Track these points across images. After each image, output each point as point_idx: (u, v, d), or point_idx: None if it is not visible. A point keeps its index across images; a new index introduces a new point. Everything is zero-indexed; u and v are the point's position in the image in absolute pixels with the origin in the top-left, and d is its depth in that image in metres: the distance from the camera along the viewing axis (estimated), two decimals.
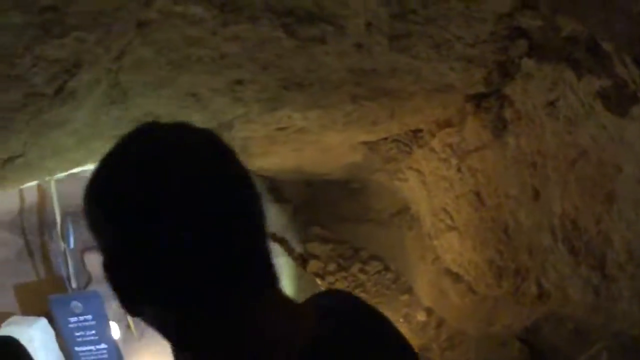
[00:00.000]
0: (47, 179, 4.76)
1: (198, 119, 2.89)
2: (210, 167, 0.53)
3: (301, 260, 5.50)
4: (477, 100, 2.84)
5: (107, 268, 0.55)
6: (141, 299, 0.54)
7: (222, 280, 0.52)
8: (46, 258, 6.87)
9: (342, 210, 6.49)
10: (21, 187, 3.88)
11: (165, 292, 0.52)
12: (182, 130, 0.60)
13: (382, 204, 5.48)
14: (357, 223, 6.29)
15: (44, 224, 5.68)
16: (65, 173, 3.76)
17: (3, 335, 2.06)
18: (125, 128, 2.19)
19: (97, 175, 0.57)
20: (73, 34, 1.59)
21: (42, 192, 4.47)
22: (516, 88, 2.56)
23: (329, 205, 6.03)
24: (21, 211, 5.40)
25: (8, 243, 5.97)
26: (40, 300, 4.19)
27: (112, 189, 0.53)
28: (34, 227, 6.13)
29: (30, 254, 6.61)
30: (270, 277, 0.59)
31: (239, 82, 2.56)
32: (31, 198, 4.96)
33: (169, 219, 0.49)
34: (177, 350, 0.58)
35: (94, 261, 5.38)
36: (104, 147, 2.24)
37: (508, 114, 2.70)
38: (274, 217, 6.73)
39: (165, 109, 2.54)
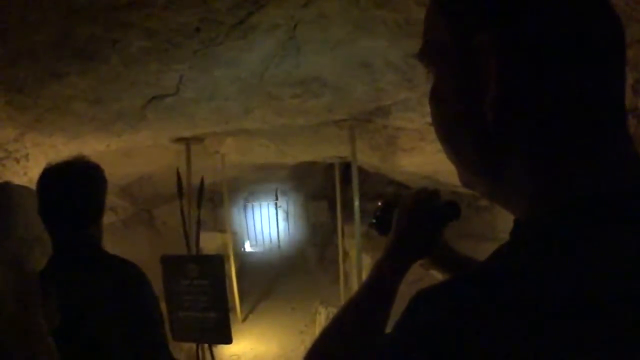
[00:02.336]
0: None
1: (360, 96, 2.63)
2: None
3: None
4: None
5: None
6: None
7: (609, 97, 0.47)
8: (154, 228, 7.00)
9: (466, 227, 6.50)
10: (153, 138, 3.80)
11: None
12: None
13: (509, 225, 5.02)
14: (480, 241, 6.19)
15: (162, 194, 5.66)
16: (205, 131, 3.65)
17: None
18: (288, 90, 1.92)
19: None
20: None
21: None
22: None
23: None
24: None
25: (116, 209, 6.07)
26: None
27: None
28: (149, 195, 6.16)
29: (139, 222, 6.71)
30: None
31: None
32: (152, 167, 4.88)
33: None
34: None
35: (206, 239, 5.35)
36: (262, 106, 1.97)
37: None
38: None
39: (334, 75, 2.26)
